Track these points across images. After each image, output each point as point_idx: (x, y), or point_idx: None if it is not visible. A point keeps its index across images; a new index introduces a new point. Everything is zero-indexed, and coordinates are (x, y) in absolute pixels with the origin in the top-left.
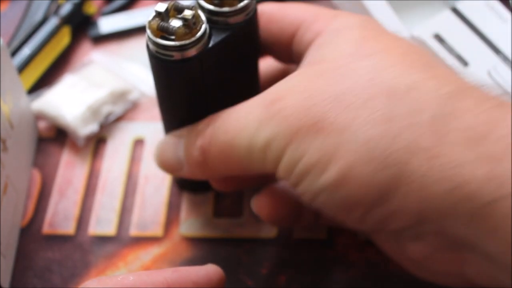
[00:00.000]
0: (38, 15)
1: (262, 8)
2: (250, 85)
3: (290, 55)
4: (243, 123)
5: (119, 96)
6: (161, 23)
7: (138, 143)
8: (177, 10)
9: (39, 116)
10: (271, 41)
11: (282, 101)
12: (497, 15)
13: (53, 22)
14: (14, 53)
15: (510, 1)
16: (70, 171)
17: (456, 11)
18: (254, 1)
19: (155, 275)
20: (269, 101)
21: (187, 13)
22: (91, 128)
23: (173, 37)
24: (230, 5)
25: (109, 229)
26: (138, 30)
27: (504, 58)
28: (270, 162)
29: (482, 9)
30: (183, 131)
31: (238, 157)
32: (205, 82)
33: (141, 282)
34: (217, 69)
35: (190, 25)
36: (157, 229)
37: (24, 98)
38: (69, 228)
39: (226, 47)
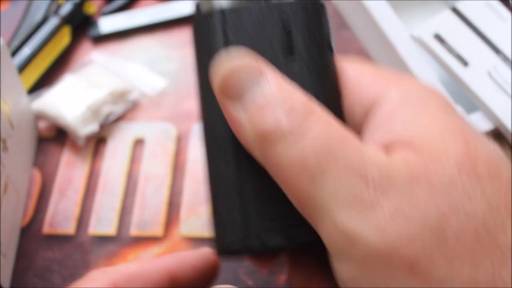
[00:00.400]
0: (38, 15)
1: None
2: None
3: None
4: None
5: (119, 96)
6: None
7: (138, 143)
8: None
9: (39, 116)
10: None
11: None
12: (497, 15)
13: (53, 22)
14: (14, 53)
15: (510, 1)
16: (70, 171)
17: (456, 11)
18: None
19: (156, 262)
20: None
21: None
22: (91, 128)
23: None
24: None
25: (109, 229)
26: (138, 30)
27: (504, 58)
28: (327, 236)
29: (482, 9)
30: (272, 76)
31: (294, 181)
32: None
33: (143, 269)
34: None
35: None
36: (157, 229)
37: (24, 98)
38: (69, 228)
39: (264, 16)
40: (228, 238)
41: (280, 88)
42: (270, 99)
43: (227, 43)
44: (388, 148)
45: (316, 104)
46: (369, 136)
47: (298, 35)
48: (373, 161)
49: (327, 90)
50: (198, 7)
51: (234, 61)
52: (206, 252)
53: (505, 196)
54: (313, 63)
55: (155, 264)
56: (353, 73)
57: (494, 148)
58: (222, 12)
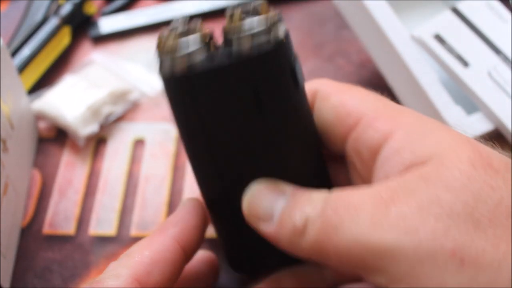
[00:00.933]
0: (38, 15)
1: (320, 87)
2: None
3: (343, 146)
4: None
5: (119, 96)
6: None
7: (138, 143)
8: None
9: (39, 117)
10: (323, 127)
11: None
12: (497, 15)
13: (53, 22)
14: (14, 53)
15: (510, 1)
16: (70, 171)
17: (456, 11)
18: (278, 31)
19: (165, 238)
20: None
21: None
22: (91, 128)
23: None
24: (235, 23)
25: (110, 229)
26: (138, 30)
27: (504, 58)
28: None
29: (482, 9)
30: (287, 187)
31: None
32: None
33: (158, 253)
34: (226, 101)
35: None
36: None
37: (24, 99)
38: (69, 228)
39: (231, 77)
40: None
41: (295, 193)
42: (291, 207)
43: (197, 108)
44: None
45: (319, 190)
46: (383, 174)
47: (266, 93)
48: (385, 187)
49: (302, 136)
50: (162, 65)
51: (257, 189)
52: (194, 203)
53: None
54: (284, 115)
55: (164, 242)
56: (356, 113)
57: (505, 155)
58: (189, 77)
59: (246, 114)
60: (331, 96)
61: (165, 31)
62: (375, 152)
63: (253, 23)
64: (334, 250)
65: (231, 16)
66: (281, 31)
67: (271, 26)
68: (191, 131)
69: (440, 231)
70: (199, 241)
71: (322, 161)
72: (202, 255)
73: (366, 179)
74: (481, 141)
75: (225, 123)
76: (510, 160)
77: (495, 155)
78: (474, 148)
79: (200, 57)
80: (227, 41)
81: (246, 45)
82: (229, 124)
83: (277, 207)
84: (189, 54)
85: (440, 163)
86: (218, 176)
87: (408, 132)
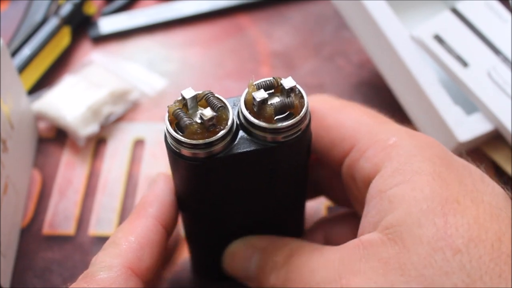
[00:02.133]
0: (38, 16)
1: (316, 106)
2: (291, 208)
3: (338, 168)
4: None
5: (119, 96)
6: (177, 110)
7: (138, 143)
8: (208, 103)
9: (39, 117)
10: (320, 149)
11: None
12: (497, 15)
13: (53, 22)
14: (14, 53)
15: (510, 1)
16: (70, 171)
17: (456, 11)
18: (305, 123)
19: (147, 223)
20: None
21: (207, 113)
22: (92, 128)
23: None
24: (267, 119)
25: (110, 229)
26: (138, 31)
27: (504, 58)
28: None
29: (482, 9)
30: (259, 242)
31: None
32: (213, 190)
33: (143, 237)
34: (235, 181)
35: (206, 125)
36: None
37: (24, 99)
38: (69, 228)
39: (249, 162)
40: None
41: (265, 249)
42: (261, 268)
43: (208, 185)
44: (377, 228)
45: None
46: (366, 213)
47: (281, 169)
48: (344, 262)
49: (300, 193)
50: (179, 146)
51: (234, 250)
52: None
53: (489, 262)
54: (292, 183)
55: (146, 224)
56: (350, 139)
57: (485, 207)
58: (206, 161)
59: (255, 187)
60: (326, 117)
61: (178, 107)
62: (367, 183)
63: (287, 125)
64: None
65: (262, 104)
66: (307, 120)
67: (301, 123)
68: (193, 198)
69: None
70: (177, 217)
71: (304, 205)
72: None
73: (361, 201)
74: (464, 180)
75: (232, 195)
76: (485, 222)
77: (464, 226)
78: (442, 218)
79: (221, 146)
80: (250, 131)
81: (273, 139)
82: (235, 194)
83: (251, 269)
84: (212, 143)
85: (402, 242)
86: (209, 226)
87: (394, 171)
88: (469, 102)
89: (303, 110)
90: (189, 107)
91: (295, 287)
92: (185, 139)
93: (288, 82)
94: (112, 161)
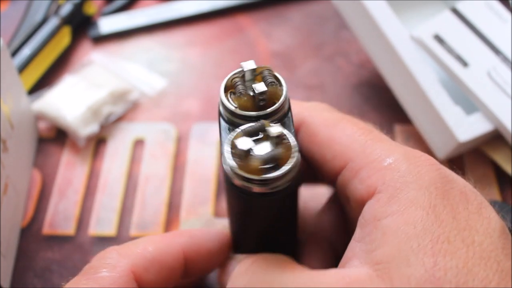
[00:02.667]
0: (38, 15)
1: (308, 119)
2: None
3: (331, 183)
4: None
5: (119, 96)
6: (236, 78)
7: (138, 143)
8: (263, 77)
9: (39, 117)
10: (313, 162)
11: None
12: (497, 15)
13: (53, 22)
14: (14, 53)
15: (510, 1)
16: (70, 171)
17: (456, 11)
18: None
19: (172, 244)
20: None
21: (259, 87)
22: (92, 128)
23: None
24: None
25: (109, 229)
26: (138, 31)
27: (504, 58)
28: None
29: (482, 9)
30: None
31: None
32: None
33: (160, 253)
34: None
35: (256, 99)
36: (157, 229)
37: (24, 99)
38: (69, 228)
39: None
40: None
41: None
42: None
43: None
44: (367, 259)
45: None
46: (358, 237)
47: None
48: None
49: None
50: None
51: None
52: (221, 233)
53: None
54: (292, 212)
55: (171, 246)
56: (342, 156)
57: (474, 247)
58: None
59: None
60: (318, 131)
61: (236, 76)
62: (360, 204)
63: (275, 175)
64: None
65: (251, 162)
66: (294, 172)
67: (290, 173)
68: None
69: None
70: (205, 267)
71: (296, 226)
72: (217, 232)
73: (352, 219)
74: (456, 208)
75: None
76: (471, 273)
77: (452, 271)
78: (431, 259)
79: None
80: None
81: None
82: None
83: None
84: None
85: (389, 280)
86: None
87: (390, 199)
88: (469, 102)
89: (291, 159)
90: (246, 79)
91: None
92: (238, 110)
93: (275, 130)
94: (112, 161)
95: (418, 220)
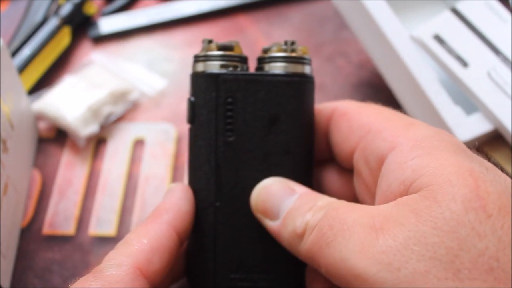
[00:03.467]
0: (38, 16)
1: (342, 105)
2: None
3: (351, 155)
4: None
5: (119, 96)
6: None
7: (139, 143)
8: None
9: (39, 117)
10: (337, 140)
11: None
12: (497, 15)
13: (53, 22)
14: (14, 53)
15: (510, 2)
16: (70, 171)
17: (456, 11)
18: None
19: (163, 225)
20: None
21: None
22: (92, 128)
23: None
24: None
25: (110, 229)
26: (138, 31)
27: (504, 58)
28: None
29: (482, 9)
30: (299, 188)
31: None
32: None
33: (156, 240)
34: (246, 112)
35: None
36: None
37: (24, 99)
38: (69, 228)
39: (256, 89)
40: (201, 282)
41: (303, 196)
42: (296, 210)
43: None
44: (401, 195)
45: (319, 194)
46: (385, 186)
47: (285, 113)
48: (379, 213)
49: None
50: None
51: (269, 184)
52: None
53: None
54: (295, 132)
55: (162, 229)
56: (368, 125)
57: (506, 186)
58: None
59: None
60: (348, 111)
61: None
62: (381, 161)
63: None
64: (324, 263)
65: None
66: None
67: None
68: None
69: (420, 273)
70: (191, 226)
71: (312, 168)
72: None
73: (371, 187)
74: (483, 163)
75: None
76: (508, 196)
77: (494, 193)
78: (474, 182)
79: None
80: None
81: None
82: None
83: (284, 206)
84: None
85: (434, 198)
86: (216, 173)
87: (413, 147)
88: (469, 102)
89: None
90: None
91: (331, 223)
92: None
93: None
94: (112, 161)
95: (448, 156)
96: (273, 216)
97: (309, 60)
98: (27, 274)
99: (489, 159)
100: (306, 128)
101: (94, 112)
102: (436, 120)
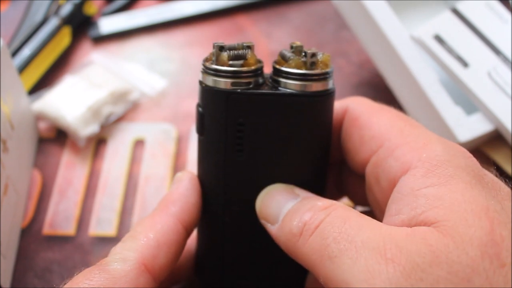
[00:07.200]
0: (38, 16)
1: (353, 106)
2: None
3: (363, 167)
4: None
5: (119, 96)
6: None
7: (139, 143)
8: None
9: (39, 117)
10: (349, 147)
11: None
12: (497, 16)
13: (53, 22)
14: (14, 53)
15: (510, 2)
16: (70, 171)
17: (456, 12)
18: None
19: (169, 221)
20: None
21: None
22: (92, 128)
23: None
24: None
25: (110, 229)
26: (139, 31)
27: (504, 59)
28: None
29: (482, 10)
30: (301, 192)
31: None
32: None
33: (162, 235)
34: (259, 129)
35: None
36: None
37: (24, 99)
38: (69, 228)
39: (270, 109)
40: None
41: (304, 198)
42: (297, 208)
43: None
44: (412, 224)
45: (329, 200)
46: (395, 211)
47: (300, 134)
48: (391, 239)
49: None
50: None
51: (272, 190)
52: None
53: None
54: (309, 153)
55: (168, 223)
56: (380, 138)
57: None
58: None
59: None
60: (360, 116)
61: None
62: (392, 183)
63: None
64: (323, 275)
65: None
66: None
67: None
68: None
69: None
70: (198, 218)
71: (325, 173)
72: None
73: (381, 205)
74: (497, 193)
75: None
76: None
77: (508, 239)
78: (490, 224)
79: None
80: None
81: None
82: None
83: (284, 210)
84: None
85: (451, 238)
86: (226, 179)
87: (427, 172)
88: (469, 102)
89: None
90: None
91: (336, 237)
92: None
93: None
94: (112, 161)
95: (464, 190)
96: (274, 220)
97: (331, 72)
98: (27, 274)
99: (505, 181)
100: (321, 147)
101: (94, 112)
102: (436, 120)
